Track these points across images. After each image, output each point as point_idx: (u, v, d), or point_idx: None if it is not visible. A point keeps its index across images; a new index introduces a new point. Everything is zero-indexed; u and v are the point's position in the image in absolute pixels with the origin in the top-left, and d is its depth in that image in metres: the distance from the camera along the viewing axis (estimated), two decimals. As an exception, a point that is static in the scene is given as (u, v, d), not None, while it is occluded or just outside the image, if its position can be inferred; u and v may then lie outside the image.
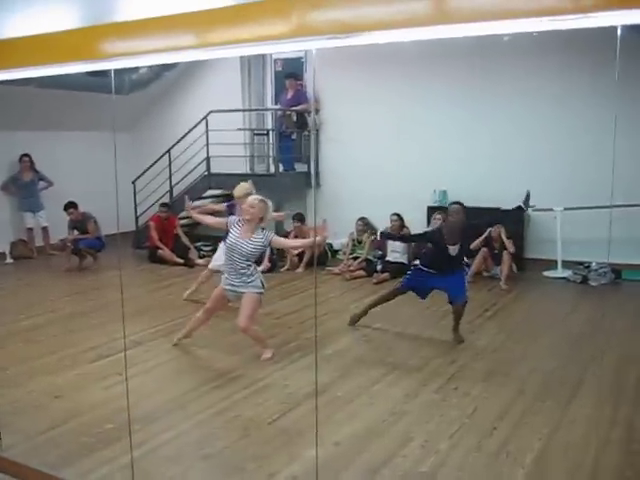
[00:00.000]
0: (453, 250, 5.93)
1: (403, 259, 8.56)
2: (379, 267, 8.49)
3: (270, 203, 5.51)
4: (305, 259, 9.09)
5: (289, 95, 10.24)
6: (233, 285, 5.47)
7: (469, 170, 8.81)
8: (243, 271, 5.41)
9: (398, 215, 8.51)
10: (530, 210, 8.35)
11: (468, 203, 8.46)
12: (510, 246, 7.89)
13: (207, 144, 10.34)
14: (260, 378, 5.16)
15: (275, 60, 11.18)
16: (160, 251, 9.90)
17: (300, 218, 9.39)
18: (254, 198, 5.49)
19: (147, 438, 4.17)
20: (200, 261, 9.79)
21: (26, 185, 10.05)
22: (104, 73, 10.59)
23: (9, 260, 9.97)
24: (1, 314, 7.17)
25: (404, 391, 4.80)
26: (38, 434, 4.26)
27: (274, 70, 11.20)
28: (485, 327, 6.38)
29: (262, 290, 5.52)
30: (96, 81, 9.81)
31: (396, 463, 3.77)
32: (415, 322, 6.70)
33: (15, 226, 10.23)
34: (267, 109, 10.87)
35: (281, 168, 10.26)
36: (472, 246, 7.90)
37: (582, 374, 5.02)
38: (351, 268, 8.63)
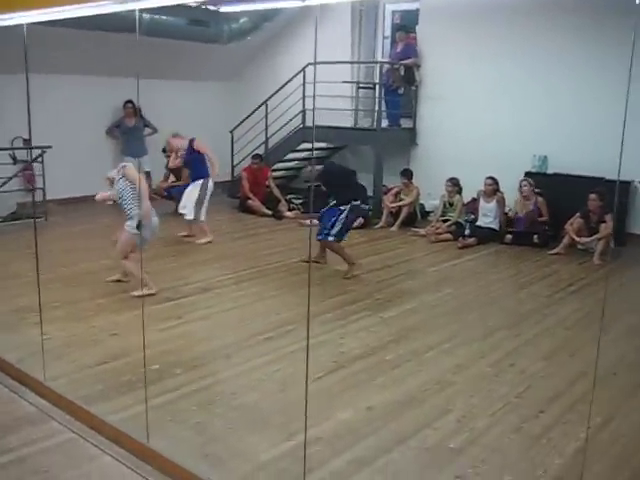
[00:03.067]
0: None
1: (494, 224, 8.13)
2: (467, 232, 8.10)
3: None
4: (400, 218, 8.89)
5: (398, 48, 9.85)
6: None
7: (574, 136, 8.18)
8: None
9: (492, 178, 8.07)
10: (637, 182, 7.74)
11: (571, 171, 8.01)
12: (608, 219, 7.26)
13: (303, 97, 10.17)
14: (317, 334, 5.04)
15: (393, 12, 10.83)
16: (250, 201, 9.97)
17: (407, 174, 9.11)
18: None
19: (185, 382, 4.20)
20: (289, 214, 9.77)
21: (129, 130, 10.33)
22: (205, 23, 10.65)
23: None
24: (87, 252, 7.47)
25: (457, 361, 4.55)
26: (86, 367, 4.40)
27: (392, 23, 10.83)
28: (565, 302, 5.92)
29: (135, 231, 5.80)
30: (196, 30, 9.94)
31: (426, 435, 3.57)
32: (493, 289, 6.35)
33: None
34: (372, 62, 10.53)
35: (386, 123, 9.98)
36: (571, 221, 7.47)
37: (658, 362, 4.58)
38: (438, 230, 8.30)
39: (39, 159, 8.85)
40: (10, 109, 8.99)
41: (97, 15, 8.66)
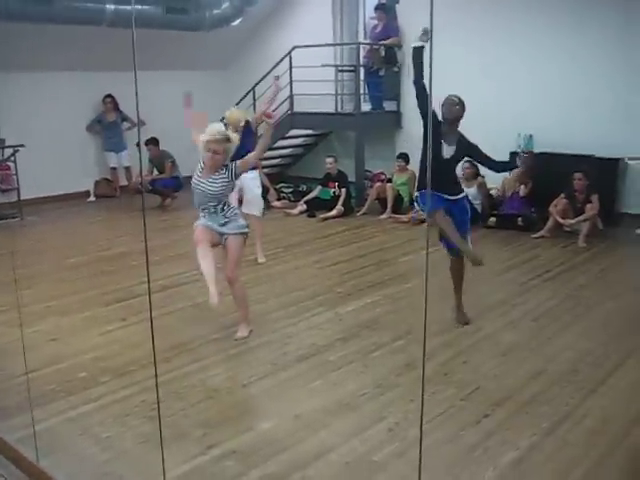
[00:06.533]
0: (447, 152, 4.61)
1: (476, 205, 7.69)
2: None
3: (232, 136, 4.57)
4: (389, 205, 8.50)
5: (378, 28, 9.49)
6: (215, 224, 4.59)
7: (559, 113, 7.76)
8: (217, 210, 4.57)
9: (470, 162, 7.59)
10: (627, 159, 7.30)
11: (557, 149, 7.59)
12: (595, 200, 6.83)
13: (290, 82, 9.83)
14: (263, 334, 4.76)
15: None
16: (235, 190, 9.65)
17: (403, 157, 8.70)
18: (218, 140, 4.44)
19: (109, 391, 3.96)
20: (277, 203, 9.46)
21: (109, 125, 10.07)
22: (182, 10, 10.21)
23: (92, 198, 10.14)
24: (53, 251, 7.24)
25: (405, 360, 4.20)
26: (12, 377, 4.13)
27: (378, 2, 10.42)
28: (538, 290, 5.52)
29: (246, 230, 4.68)
30: (173, 18, 9.62)
31: (351, 447, 3.25)
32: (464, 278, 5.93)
33: (100, 165, 10.36)
34: (352, 43, 10.12)
35: (369, 107, 9.62)
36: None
37: (624, 360, 4.16)
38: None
39: (12, 158, 8.63)
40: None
41: (65, 8, 8.29)
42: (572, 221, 6.98)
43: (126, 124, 10.16)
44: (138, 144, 9.06)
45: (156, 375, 2.68)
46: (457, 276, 4.79)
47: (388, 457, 3.14)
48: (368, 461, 3.12)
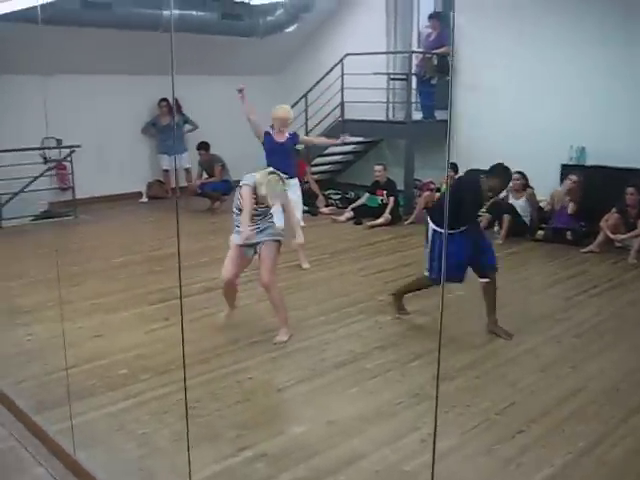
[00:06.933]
0: None
1: (525, 221, 7.59)
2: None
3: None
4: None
5: (432, 37, 9.45)
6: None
7: (613, 125, 7.55)
8: (254, 218, 4.62)
9: (520, 173, 7.46)
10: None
11: (610, 162, 7.41)
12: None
13: (342, 89, 9.89)
14: (302, 339, 4.78)
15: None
16: (285, 197, 9.73)
17: (453, 167, 8.64)
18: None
19: (146, 389, 4.02)
20: (325, 209, 9.51)
21: (164, 128, 10.28)
22: (237, 16, 10.34)
23: (144, 199, 10.36)
24: (104, 250, 7.41)
25: (445, 371, 4.14)
26: (51, 372, 4.24)
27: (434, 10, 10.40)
28: (583, 306, 5.39)
29: (280, 238, 4.73)
30: (228, 24, 9.77)
31: (383, 455, 3.24)
32: (509, 290, 5.74)
33: (153, 168, 10.58)
34: (404, 52, 10.11)
35: (420, 115, 9.60)
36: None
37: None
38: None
39: (68, 158, 8.89)
40: (39, 110, 9.04)
41: (123, 14, 8.52)
42: (623, 236, 6.81)
43: (188, 126, 10.36)
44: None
45: (185, 378, 2.73)
46: (490, 297, 4.82)
47: (419, 467, 3.11)
48: (399, 470, 3.11)
